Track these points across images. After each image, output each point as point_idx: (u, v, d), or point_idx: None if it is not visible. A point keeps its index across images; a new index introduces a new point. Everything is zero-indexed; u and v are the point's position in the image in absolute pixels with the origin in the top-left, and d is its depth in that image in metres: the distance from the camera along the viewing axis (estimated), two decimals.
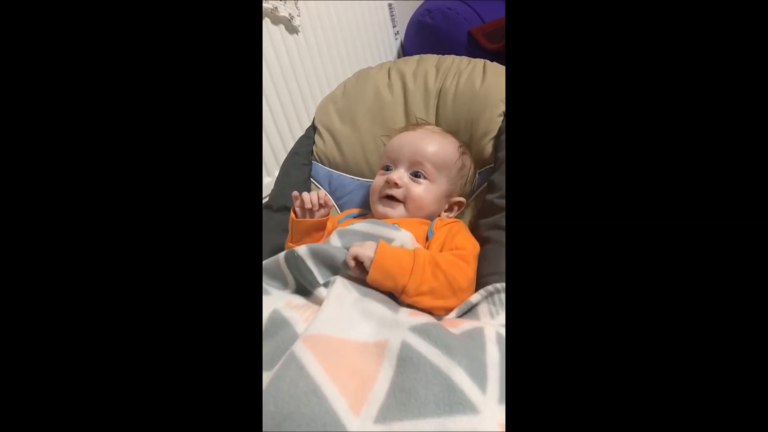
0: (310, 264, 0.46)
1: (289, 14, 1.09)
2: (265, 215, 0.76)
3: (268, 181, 1.13)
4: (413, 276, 0.45)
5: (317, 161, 0.80)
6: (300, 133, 1.17)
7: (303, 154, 0.81)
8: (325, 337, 0.36)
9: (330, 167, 0.79)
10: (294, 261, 0.46)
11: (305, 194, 0.58)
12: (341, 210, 0.75)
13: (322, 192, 0.59)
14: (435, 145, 0.61)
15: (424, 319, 0.40)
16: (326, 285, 0.45)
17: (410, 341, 0.36)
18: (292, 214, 0.59)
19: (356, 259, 0.45)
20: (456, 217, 0.64)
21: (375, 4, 1.37)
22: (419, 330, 0.37)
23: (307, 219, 0.58)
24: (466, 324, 0.41)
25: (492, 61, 0.74)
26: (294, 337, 0.38)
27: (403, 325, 0.38)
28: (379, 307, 0.41)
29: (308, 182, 0.79)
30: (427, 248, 0.54)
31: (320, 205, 0.58)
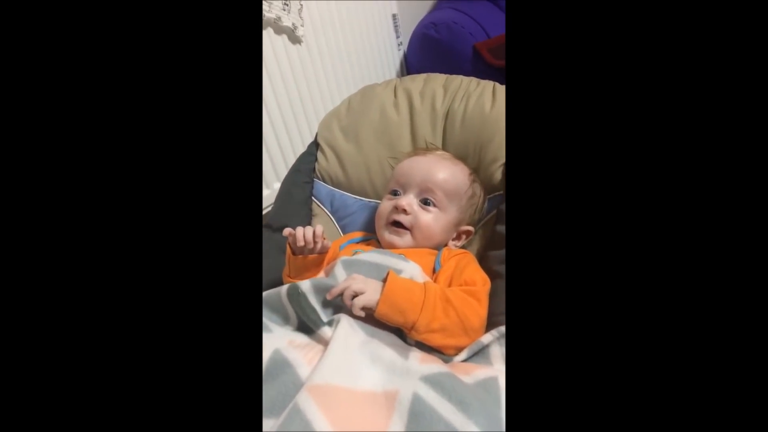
0: (314, 301, 0.44)
1: (293, 24, 1.07)
2: (265, 235, 0.74)
3: (267, 194, 1.10)
4: (424, 312, 0.43)
5: (319, 179, 0.78)
6: (301, 145, 1.15)
7: (304, 172, 0.78)
8: (331, 388, 0.34)
9: (332, 186, 0.77)
10: (297, 297, 0.44)
11: (299, 231, 0.53)
12: (343, 232, 0.73)
13: (319, 228, 0.54)
14: (446, 172, 0.59)
15: (436, 367, 0.37)
16: (330, 324, 0.43)
17: (422, 394, 0.34)
18: (289, 250, 0.56)
19: (363, 307, 0.43)
20: (463, 245, 0.62)
21: (379, 14, 1.35)
22: (431, 381, 0.35)
23: (304, 256, 0.55)
24: (480, 371, 0.39)
25: (496, 76, 0.72)
26: (297, 381, 0.36)
27: (414, 373, 0.36)
28: (388, 352, 0.39)
29: (309, 201, 0.76)
30: (435, 281, 0.52)
31: (315, 242, 0.53)
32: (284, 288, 0.45)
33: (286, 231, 0.54)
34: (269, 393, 0.35)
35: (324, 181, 0.77)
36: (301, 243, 0.53)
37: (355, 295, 0.43)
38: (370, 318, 0.44)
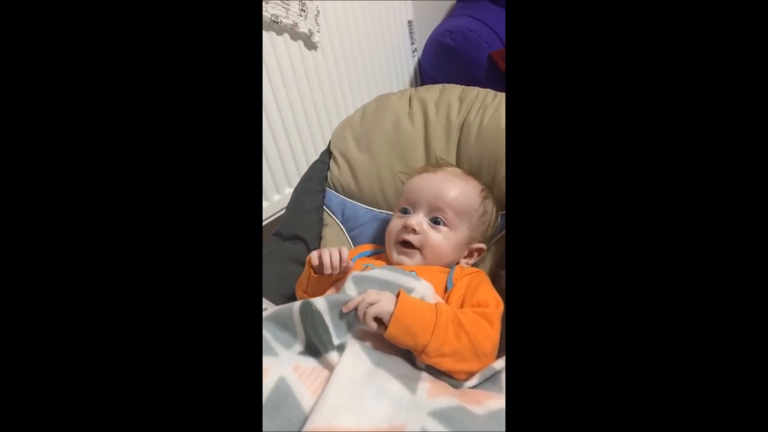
0: (328, 320, 0.43)
1: (309, 30, 1.07)
2: (275, 243, 0.73)
3: (278, 199, 1.10)
4: (435, 335, 0.42)
5: (331, 188, 0.77)
6: (313, 151, 1.15)
7: (317, 180, 0.78)
8: (333, 429, 0.33)
9: (344, 195, 0.76)
10: (311, 316, 0.43)
11: (325, 257, 0.52)
12: (354, 243, 0.72)
13: (345, 251, 0.53)
14: (456, 190, 0.58)
15: (445, 401, 0.36)
16: (339, 349, 0.42)
17: (430, 429, 0.33)
18: (309, 269, 0.55)
19: (375, 317, 0.42)
20: (476, 263, 0.61)
21: (395, 21, 1.35)
22: (440, 415, 0.34)
23: (326, 276, 0.54)
24: (492, 401, 0.38)
25: None
26: (300, 414, 0.35)
27: (422, 408, 0.35)
28: (395, 384, 0.38)
29: (321, 210, 0.76)
30: (446, 300, 0.51)
31: (341, 266, 0.53)
32: (297, 305, 0.44)
33: (314, 257, 0.53)
34: (271, 427, 0.34)
35: (336, 191, 0.77)
36: (329, 271, 0.52)
37: (368, 307, 0.42)
38: (380, 340, 0.43)
